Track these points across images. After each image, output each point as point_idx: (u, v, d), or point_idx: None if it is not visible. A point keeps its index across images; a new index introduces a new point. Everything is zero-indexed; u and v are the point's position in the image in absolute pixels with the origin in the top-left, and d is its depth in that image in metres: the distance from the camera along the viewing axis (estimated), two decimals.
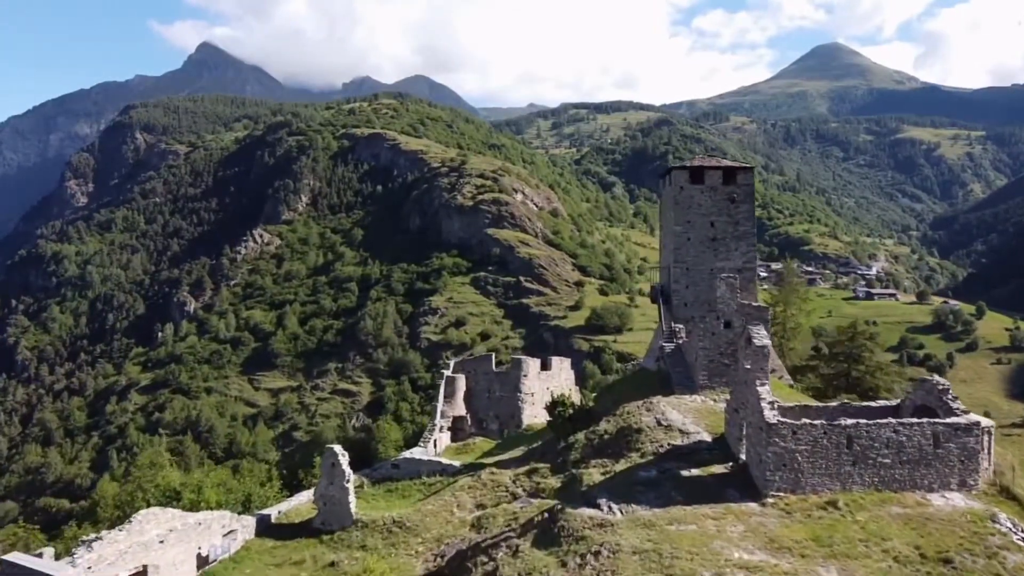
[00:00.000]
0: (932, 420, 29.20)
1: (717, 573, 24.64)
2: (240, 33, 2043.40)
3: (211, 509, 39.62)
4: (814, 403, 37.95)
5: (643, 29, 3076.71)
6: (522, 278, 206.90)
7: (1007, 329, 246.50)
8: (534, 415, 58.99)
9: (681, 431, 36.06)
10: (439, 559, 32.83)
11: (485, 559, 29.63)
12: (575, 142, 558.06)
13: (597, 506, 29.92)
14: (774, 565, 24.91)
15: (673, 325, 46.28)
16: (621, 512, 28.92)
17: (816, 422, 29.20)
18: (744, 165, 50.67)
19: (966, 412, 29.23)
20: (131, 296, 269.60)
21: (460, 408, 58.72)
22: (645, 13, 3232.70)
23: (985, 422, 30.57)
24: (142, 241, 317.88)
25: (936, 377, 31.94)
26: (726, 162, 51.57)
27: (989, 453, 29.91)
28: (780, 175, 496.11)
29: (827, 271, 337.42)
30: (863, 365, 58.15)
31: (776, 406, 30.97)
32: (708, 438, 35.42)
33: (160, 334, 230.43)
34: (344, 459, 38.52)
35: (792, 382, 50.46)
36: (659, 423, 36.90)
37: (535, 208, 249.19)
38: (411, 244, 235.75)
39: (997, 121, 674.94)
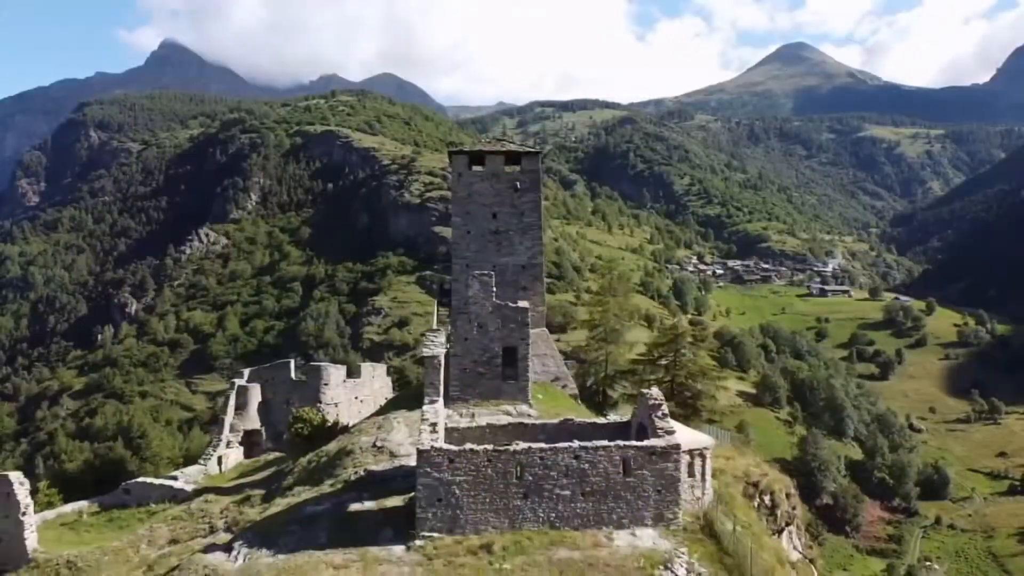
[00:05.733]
0: (623, 443, 23.88)
1: None
2: (204, 30, 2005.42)
3: None
4: (577, 417, 31.19)
5: (615, 28, 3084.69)
6: None
7: (955, 325, 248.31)
8: None
9: (392, 454, 31.49)
10: None
11: None
12: (540, 140, 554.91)
13: (230, 551, 24.55)
14: None
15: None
16: (244, 559, 23.56)
17: (480, 448, 23.53)
18: (530, 149, 45.57)
19: (670, 432, 24.16)
20: (74, 298, 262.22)
21: (254, 421, 52.89)
22: (616, 12, 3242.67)
23: (699, 442, 26.01)
24: (88, 241, 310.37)
25: (653, 390, 26.25)
26: (511, 146, 46.05)
27: (704, 480, 25.39)
28: (742, 173, 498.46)
29: (783, 268, 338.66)
30: (684, 370, 52.42)
31: (447, 427, 26.28)
32: None
33: (99, 337, 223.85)
34: (22, 488, 33.85)
35: (576, 391, 45.50)
36: (375, 444, 32.68)
37: None
38: (357, 243, 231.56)
39: (956, 120, 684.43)
